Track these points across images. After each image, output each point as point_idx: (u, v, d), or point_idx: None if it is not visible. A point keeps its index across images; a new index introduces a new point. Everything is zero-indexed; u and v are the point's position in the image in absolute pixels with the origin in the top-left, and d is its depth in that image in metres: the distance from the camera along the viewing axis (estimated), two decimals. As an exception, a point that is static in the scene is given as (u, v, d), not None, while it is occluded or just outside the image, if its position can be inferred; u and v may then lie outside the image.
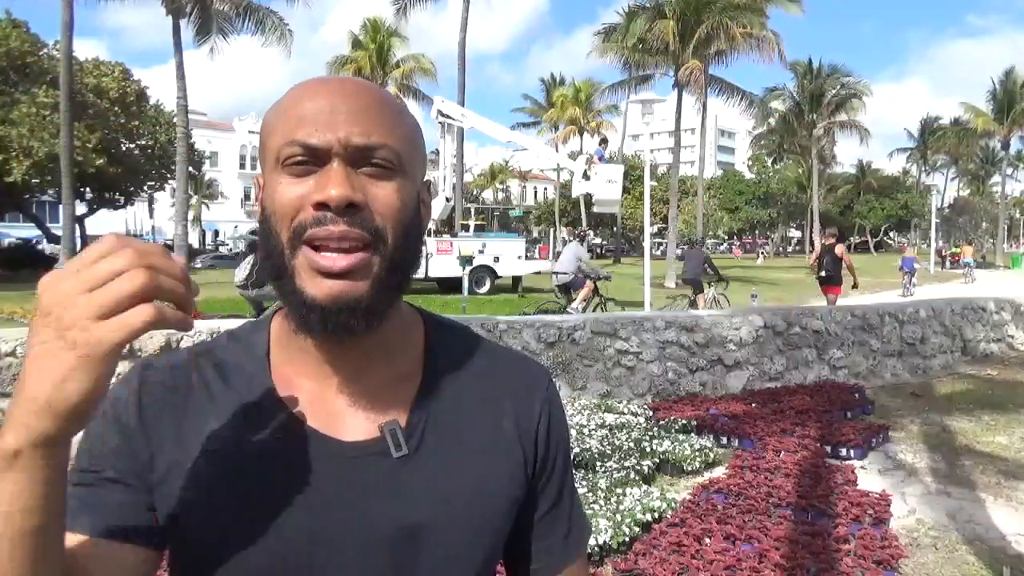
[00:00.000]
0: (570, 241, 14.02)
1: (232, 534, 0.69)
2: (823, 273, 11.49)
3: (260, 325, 0.80)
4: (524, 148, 21.25)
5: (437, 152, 22.67)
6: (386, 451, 0.73)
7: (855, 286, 12.31)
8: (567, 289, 12.10)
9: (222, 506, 0.69)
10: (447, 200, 20.34)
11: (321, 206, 0.65)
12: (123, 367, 4.85)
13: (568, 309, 11.23)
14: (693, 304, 12.89)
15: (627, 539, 3.60)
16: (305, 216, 0.66)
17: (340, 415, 0.74)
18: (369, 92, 0.71)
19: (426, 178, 0.77)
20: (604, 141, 20.98)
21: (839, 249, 11.50)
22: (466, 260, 15.90)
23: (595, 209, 17.10)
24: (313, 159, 0.66)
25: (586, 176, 14.90)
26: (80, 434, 0.59)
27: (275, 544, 0.69)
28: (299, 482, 0.70)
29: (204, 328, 5.31)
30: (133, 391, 0.73)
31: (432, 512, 0.73)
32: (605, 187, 14.66)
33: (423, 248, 0.74)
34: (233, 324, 5.67)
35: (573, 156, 19.80)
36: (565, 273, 12.03)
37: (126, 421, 0.72)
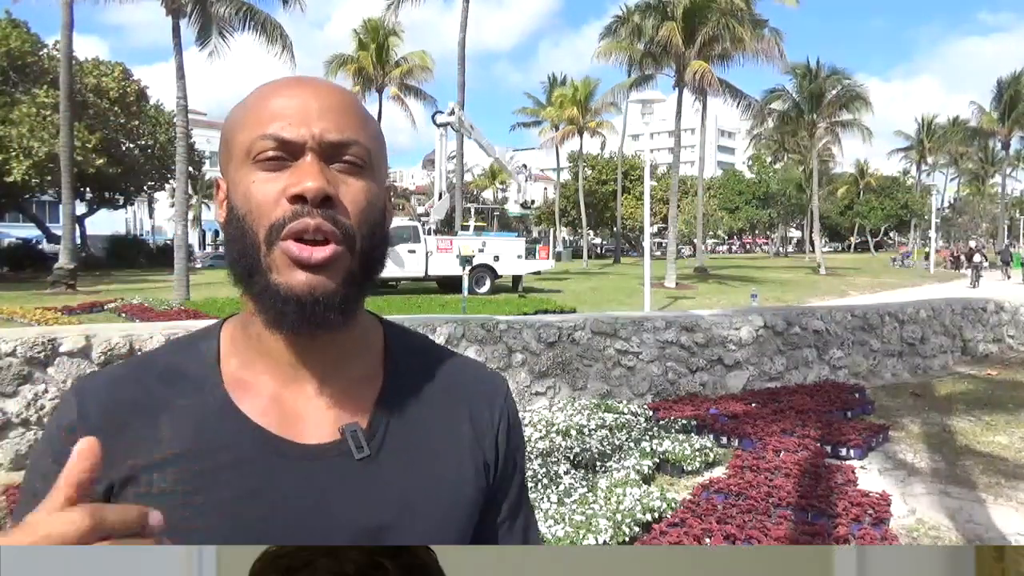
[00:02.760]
0: None
1: (188, 540, 0.66)
2: None
3: (209, 332, 0.78)
4: (521, 170, 26.22)
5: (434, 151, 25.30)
6: (347, 453, 0.72)
7: None
8: None
9: (176, 513, 0.65)
10: (439, 196, 21.55)
11: (297, 199, 0.65)
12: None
13: None
14: None
15: (627, 539, 3.59)
16: (283, 211, 0.66)
17: (300, 417, 0.73)
18: (338, 92, 0.72)
19: (390, 182, 0.77)
20: (525, 166, 27.78)
21: None
22: (466, 260, 15.89)
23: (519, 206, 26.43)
24: (286, 153, 0.67)
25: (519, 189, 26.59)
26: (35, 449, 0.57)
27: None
28: (256, 485, 0.69)
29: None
30: (69, 421, 0.71)
31: (394, 514, 0.72)
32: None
33: (388, 250, 0.74)
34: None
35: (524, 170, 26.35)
36: None
37: (60, 450, 0.68)
